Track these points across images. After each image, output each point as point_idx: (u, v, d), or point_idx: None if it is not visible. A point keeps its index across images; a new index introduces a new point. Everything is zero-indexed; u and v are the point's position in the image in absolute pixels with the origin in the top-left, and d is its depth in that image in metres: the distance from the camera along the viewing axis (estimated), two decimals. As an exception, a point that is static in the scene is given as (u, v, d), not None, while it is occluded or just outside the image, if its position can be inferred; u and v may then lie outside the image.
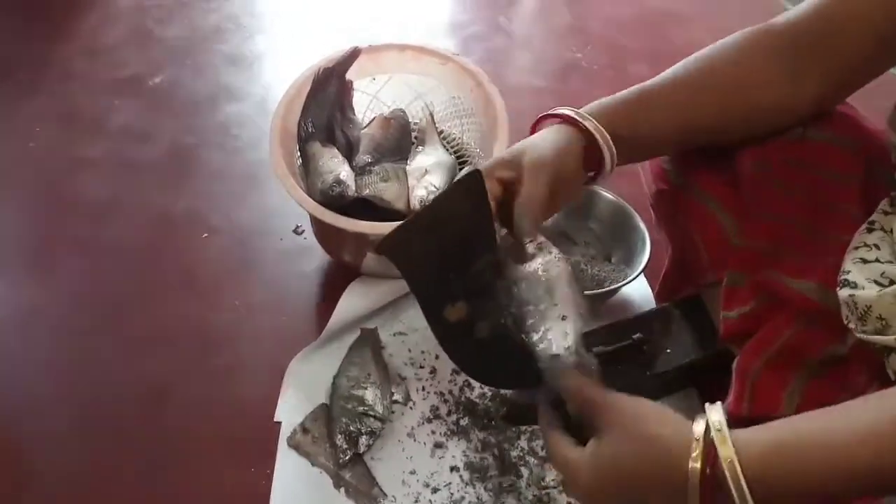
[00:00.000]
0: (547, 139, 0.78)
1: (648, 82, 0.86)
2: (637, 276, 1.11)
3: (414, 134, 1.27)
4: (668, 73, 0.86)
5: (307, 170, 1.14)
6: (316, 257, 1.24)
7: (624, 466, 0.57)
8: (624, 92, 0.85)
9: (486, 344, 0.71)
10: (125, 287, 1.22)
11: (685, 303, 1.08)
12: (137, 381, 1.09)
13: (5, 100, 1.57)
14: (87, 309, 1.19)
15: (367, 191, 1.11)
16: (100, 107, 1.55)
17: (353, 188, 1.07)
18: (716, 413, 0.56)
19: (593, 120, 0.79)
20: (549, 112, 0.82)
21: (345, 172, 1.08)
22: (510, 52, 1.79)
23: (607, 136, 0.79)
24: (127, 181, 1.39)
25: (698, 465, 0.53)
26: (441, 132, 1.27)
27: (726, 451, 0.53)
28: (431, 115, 1.26)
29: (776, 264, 0.85)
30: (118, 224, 1.31)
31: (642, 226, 1.15)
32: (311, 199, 1.06)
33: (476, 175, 0.71)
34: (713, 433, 0.54)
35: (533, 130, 0.84)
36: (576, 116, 0.79)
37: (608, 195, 1.20)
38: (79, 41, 1.73)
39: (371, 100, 1.27)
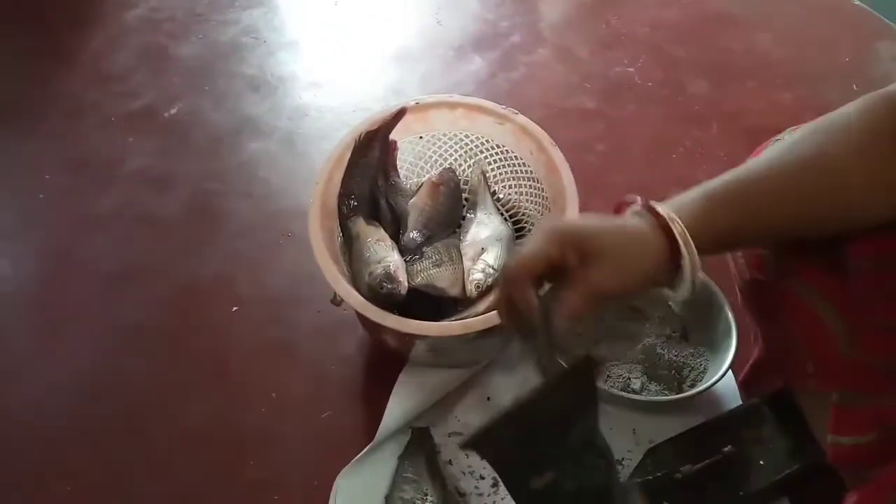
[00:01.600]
0: (627, 228, 0.69)
1: (749, 171, 0.72)
2: (725, 373, 0.99)
3: (465, 195, 1.14)
4: (772, 158, 0.72)
5: (350, 252, 1.02)
6: (356, 332, 1.13)
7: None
8: (723, 180, 0.71)
9: (572, 500, 0.69)
10: (143, 376, 1.10)
11: (775, 400, 0.97)
12: (155, 497, 0.98)
13: (10, 141, 1.44)
14: (99, 403, 1.08)
15: (420, 279, 0.99)
16: (113, 147, 1.42)
17: (406, 284, 0.94)
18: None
19: (682, 226, 0.67)
20: (630, 200, 0.72)
21: (394, 263, 0.96)
22: (553, 67, 1.64)
23: (693, 250, 0.67)
24: (144, 242, 1.27)
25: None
26: (494, 193, 1.13)
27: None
28: (484, 173, 1.12)
29: (899, 388, 0.72)
30: (134, 297, 1.19)
31: (727, 308, 1.03)
32: (356, 294, 0.94)
33: (590, 369, 0.66)
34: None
35: (618, 211, 0.74)
36: (667, 218, 0.68)
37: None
38: (86, 66, 1.59)
39: (416, 159, 1.13)
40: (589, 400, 0.67)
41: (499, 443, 0.64)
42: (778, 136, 0.87)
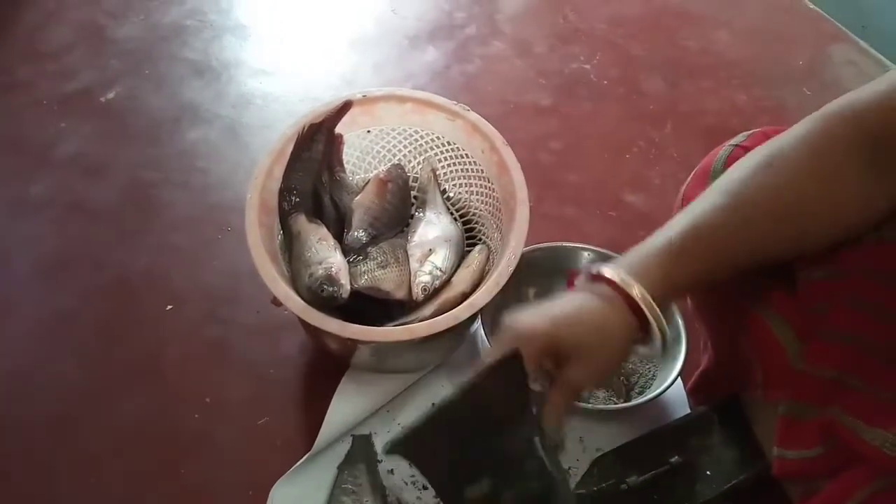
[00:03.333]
0: (591, 313, 0.67)
1: (705, 214, 0.69)
2: (675, 380, 0.97)
3: (413, 193, 1.09)
4: (727, 200, 0.69)
5: (291, 251, 0.97)
6: (299, 335, 1.08)
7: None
8: (677, 230, 0.69)
9: None
10: (73, 374, 1.04)
11: (723, 408, 0.96)
12: (83, 501, 0.93)
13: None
14: (27, 401, 1.02)
15: (364, 280, 0.95)
16: (45, 130, 1.35)
17: (348, 287, 0.90)
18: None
19: (641, 289, 0.66)
20: (593, 272, 0.69)
21: (336, 265, 0.91)
22: (510, 60, 1.60)
23: (658, 313, 0.67)
24: (76, 231, 1.20)
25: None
26: (444, 192, 1.09)
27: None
28: (434, 171, 1.08)
29: (846, 399, 0.72)
30: (65, 289, 1.13)
31: (678, 317, 1.01)
32: (296, 297, 0.89)
33: (517, 365, 0.63)
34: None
35: (570, 282, 0.73)
36: (622, 285, 0.66)
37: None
38: (19, 40, 1.51)
39: (363, 154, 1.08)
40: (522, 398, 0.65)
41: (426, 446, 0.61)
42: (734, 141, 0.85)
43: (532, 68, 1.58)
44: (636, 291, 0.66)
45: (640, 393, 1.01)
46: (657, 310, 0.66)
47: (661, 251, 0.68)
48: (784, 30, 1.72)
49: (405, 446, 0.60)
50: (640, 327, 0.67)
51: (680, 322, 1.01)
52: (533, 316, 0.68)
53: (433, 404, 0.61)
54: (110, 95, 1.41)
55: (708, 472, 0.92)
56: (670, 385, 0.96)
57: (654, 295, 0.66)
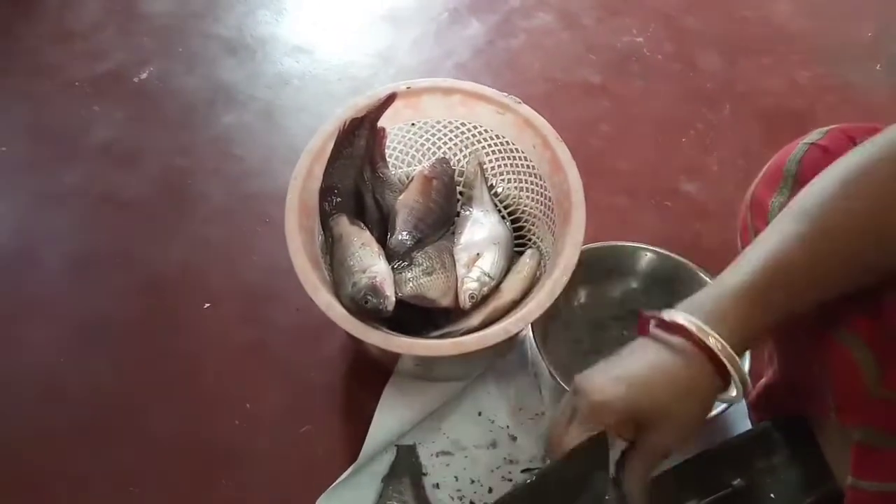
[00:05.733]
0: (668, 373, 0.62)
1: (782, 243, 0.64)
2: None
3: (459, 188, 1.04)
4: (805, 219, 0.64)
5: (333, 255, 0.92)
6: (339, 334, 1.04)
7: None
8: (753, 268, 0.63)
9: None
10: (107, 377, 1.02)
11: (789, 425, 0.90)
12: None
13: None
14: (58, 405, 0.99)
15: (409, 288, 0.90)
16: (77, 115, 1.31)
17: (393, 298, 0.85)
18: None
19: (719, 339, 0.61)
20: (665, 319, 0.64)
21: (381, 274, 0.86)
22: (557, 34, 1.52)
23: (738, 363, 0.62)
24: (108, 225, 1.17)
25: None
26: (492, 188, 1.03)
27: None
28: (481, 165, 1.03)
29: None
30: (97, 287, 1.10)
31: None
32: (338, 306, 0.85)
33: (601, 445, 0.60)
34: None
35: (642, 326, 0.66)
36: (699, 335, 0.61)
37: (702, 274, 0.99)
38: (48, 19, 1.46)
39: (406, 148, 1.03)
40: (602, 469, 0.62)
41: None
42: (808, 139, 0.79)
43: (580, 42, 1.50)
44: (713, 342, 0.60)
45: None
46: (737, 360, 0.61)
47: (738, 294, 0.62)
48: (849, 0, 1.61)
49: None
50: (719, 376, 0.61)
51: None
52: (606, 380, 0.63)
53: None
54: (143, 76, 1.37)
55: (772, 496, 0.86)
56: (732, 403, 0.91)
57: (732, 342, 0.61)
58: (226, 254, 1.14)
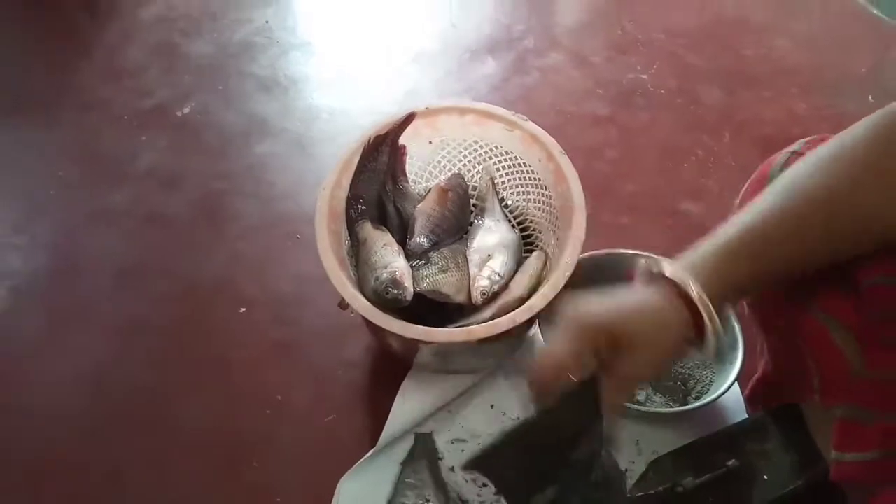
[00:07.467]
0: (650, 308, 0.70)
1: (762, 214, 0.72)
2: (730, 386, 0.97)
3: (473, 201, 1.13)
4: (782, 199, 0.72)
5: (357, 256, 1.02)
6: (362, 336, 1.12)
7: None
8: (734, 230, 0.71)
9: None
10: (147, 375, 1.11)
11: (782, 413, 0.95)
12: (152, 500, 0.98)
13: (24, 131, 1.45)
14: (100, 401, 1.08)
15: (425, 284, 0.98)
16: (125, 144, 1.43)
17: (411, 290, 0.94)
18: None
19: (698, 288, 0.68)
20: (653, 270, 0.72)
21: (400, 269, 0.95)
22: (567, 72, 1.63)
23: (713, 313, 0.69)
24: (152, 240, 1.28)
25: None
26: (503, 199, 1.13)
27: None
28: (493, 179, 1.12)
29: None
30: (140, 294, 1.20)
31: (734, 321, 1.01)
32: (362, 298, 0.93)
33: (591, 390, 0.65)
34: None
35: (630, 277, 0.76)
36: (680, 283, 0.69)
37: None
38: (100, 60, 1.61)
39: (425, 164, 1.13)
40: (594, 417, 0.67)
41: (501, 463, 0.65)
42: (791, 148, 0.86)
43: (589, 79, 1.60)
44: (693, 291, 0.67)
45: (698, 399, 1.02)
46: (713, 310, 0.68)
47: (718, 251, 0.70)
48: (846, 37, 1.71)
49: (481, 464, 0.65)
50: (696, 326, 0.69)
51: (737, 327, 1.01)
52: (593, 304, 0.71)
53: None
54: (185, 110, 1.49)
55: (765, 477, 0.91)
56: (727, 390, 0.97)
57: (710, 294, 0.68)
58: (259, 266, 1.23)
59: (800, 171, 0.72)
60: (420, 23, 1.74)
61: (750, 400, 1.03)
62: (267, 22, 1.70)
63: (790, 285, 0.80)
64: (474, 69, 1.61)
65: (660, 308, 0.69)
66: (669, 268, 0.70)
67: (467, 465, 0.65)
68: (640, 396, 1.03)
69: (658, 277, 0.70)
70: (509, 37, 1.69)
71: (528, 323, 0.95)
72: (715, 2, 1.81)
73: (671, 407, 1.02)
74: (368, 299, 0.94)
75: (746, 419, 1.01)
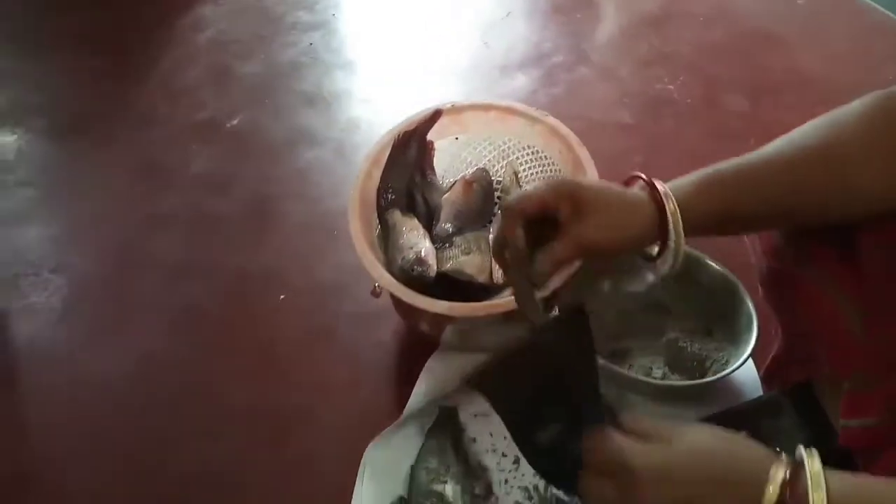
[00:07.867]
0: (625, 191, 0.73)
1: (753, 156, 0.76)
2: (744, 361, 1.01)
3: (497, 194, 1.20)
4: (776, 146, 0.77)
5: (387, 240, 1.09)
6: (393, 321, 1.20)
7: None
8: (723, 165, 0.76)
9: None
10: (196, 358, 1.19)
11: (796, 392, 0.98)
12: (203, 468, 1.06)
13: (86, 150, 1.58)
14: (156, 379, 1.17)
15: (450, 265, 1.06)
16: (178, 153, 1.54)
17: (435, 268, 1.02)
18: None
19: (674, 201, 0.72)
20: (638, 175, 0.76)
21: (426, 249, 1.03)
22: (595, 84, 1.70)
23: (681, 229, 0.71)
24: (204, 238, 1.38)
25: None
26: (526, 192, 1.19)
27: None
28: (516, 173, 1.19)
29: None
30: (193, 286, 1.29)
31: (749, 301, 1.06)
32: (389, 276, 1.01)
33: (582, 320, 0.67)
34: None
35: (627, 183, 0.78)
36: (658, 188, 0.72)
37: (712, 263, 1.10)
38: (159, 82, 1.73)
39: (452, 160, 1.21)
40: (586, 354, 0.70)
41: (501, 385, 0.68)
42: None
43: (616, 90, 1.67)
44: (670, 205, 0.71)
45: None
46: (680, 226, 0.71)
47: (707, 177, 0.74)
48: (872, 50, 1.74)
49: (481, 381, 0.69)
50: (660, 231, 0.72)
51: (752, 308, 1.05)
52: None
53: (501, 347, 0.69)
54: (235, 122, 1.60)
55: (777, 449, 0.95)
56: (742, 363, 1.00)
57: (685, 213, 0.71)
58: (302, 259, 1.32)
59: (804, 128, 0.77)
60: (453, 42, 1.84)
61: (765, 379, 1.06)
62: (311, 44, 1.81)
63: (791, 240, 0.85)
64: (504, 84, 1.70)
65: (632, 196, 0.72)
66: (656, 181, 0.73)
67: (468, 381, 0.68)
68: (658, 374, 1.07)
69: (646, 185, 0.73)
70: (539, 53, 1.78)
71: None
72: (740, 17, 1.87)
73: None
74: (396, 278, 1.02)
75: (761, 396, 1.04)
